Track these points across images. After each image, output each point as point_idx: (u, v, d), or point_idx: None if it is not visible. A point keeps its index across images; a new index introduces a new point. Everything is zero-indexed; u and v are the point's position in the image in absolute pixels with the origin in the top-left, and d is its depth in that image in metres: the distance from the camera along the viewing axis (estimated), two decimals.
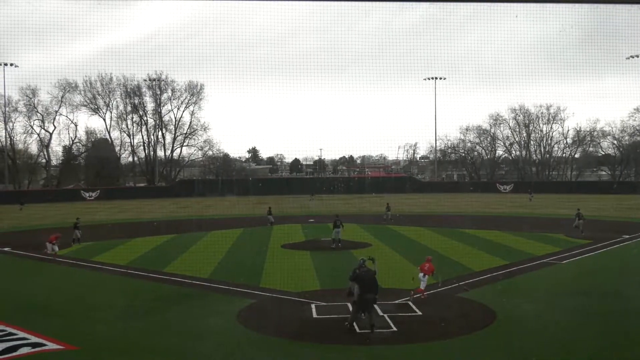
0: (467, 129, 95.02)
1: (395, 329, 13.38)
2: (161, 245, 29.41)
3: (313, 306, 15.49)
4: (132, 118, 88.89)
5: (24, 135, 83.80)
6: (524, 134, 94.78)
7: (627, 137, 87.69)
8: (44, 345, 12.19)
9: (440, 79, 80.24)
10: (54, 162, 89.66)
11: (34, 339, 12.50)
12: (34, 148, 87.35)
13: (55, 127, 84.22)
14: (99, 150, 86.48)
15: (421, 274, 16.21)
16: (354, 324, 13.15)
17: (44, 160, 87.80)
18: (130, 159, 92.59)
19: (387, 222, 38.69)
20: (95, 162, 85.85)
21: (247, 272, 20.71)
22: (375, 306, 13.30)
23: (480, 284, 18.48)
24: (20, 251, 27.41)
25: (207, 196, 66.77)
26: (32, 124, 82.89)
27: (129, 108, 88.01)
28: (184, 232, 34.01)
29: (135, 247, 28.08)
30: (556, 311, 15.01)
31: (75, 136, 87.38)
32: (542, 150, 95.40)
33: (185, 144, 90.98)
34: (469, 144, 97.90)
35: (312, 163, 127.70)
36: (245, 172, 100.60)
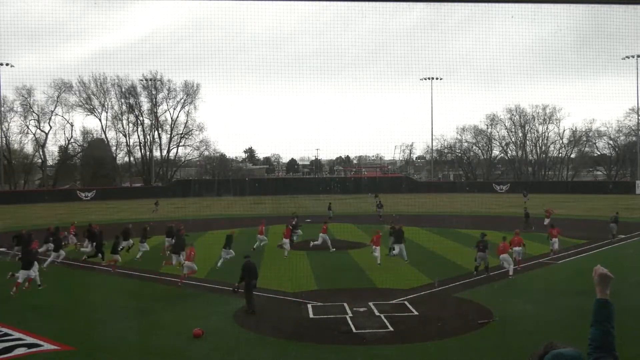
0: (463, 129, 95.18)
1: (391, 328, 13.41)
2: (157, 245, 29.32)
3: (309, 306, 15.52)
4: (128, 118, 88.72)
5: (20, 135, 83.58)
6: (520, 134, 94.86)
7: (622, 137, 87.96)
8: (40, 345, 12.17)
9: (437, 79, 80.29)
10: (49, 162, 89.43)
11: (29, 340, 12.47)
12: (29, 148, 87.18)
13: (51, 127, 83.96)
14: (95, 150, 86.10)
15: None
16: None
17: (39, 160, 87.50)
18: (127, 159, 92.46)
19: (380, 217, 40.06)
20: (91, 162, 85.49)
21: None
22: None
23: (476, 284, 18.54)
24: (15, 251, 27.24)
25: (204, 196, 66.62)
26: (27, 123, 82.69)
27: (124, 108, 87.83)
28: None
29: (132, 247, 27.94)
30: (552, 311, 15.06)
31: (71, 136, 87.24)
32: (538, 150, 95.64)
33: (181, 144, 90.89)
34: (465, 144, 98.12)
35: (308, 163, 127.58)
36: (242, 172, 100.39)
